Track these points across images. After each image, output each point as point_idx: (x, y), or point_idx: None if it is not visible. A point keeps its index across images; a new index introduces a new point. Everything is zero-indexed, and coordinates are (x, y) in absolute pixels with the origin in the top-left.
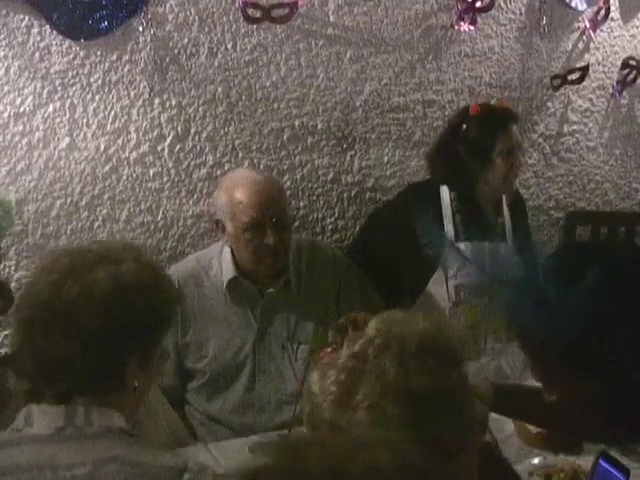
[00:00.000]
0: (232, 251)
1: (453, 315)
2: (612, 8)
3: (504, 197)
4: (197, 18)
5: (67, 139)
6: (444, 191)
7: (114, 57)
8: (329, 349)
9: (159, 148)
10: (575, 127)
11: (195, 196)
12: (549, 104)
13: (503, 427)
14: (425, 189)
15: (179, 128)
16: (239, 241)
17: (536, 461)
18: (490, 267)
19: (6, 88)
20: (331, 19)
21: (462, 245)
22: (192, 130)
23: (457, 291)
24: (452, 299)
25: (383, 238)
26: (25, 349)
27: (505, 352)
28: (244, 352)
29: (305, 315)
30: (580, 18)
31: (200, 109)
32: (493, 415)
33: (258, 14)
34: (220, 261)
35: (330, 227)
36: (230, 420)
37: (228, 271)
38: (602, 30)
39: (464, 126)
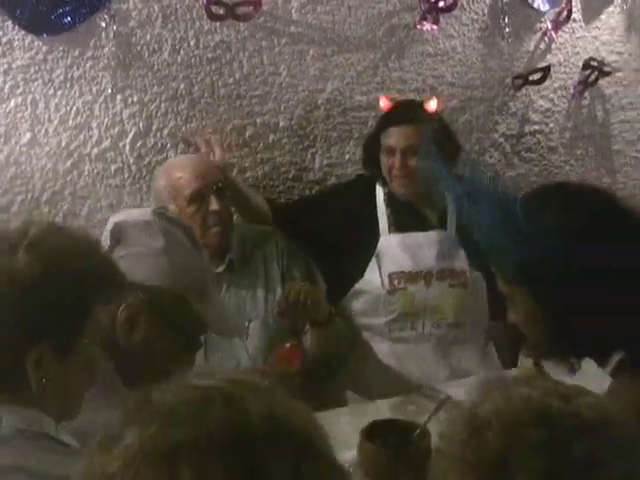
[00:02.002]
0: None
1: (387, 303)
2: (574, 9)
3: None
4: (160, 15)
5: (29, 134)
6: (378, 187)
7: (77, 53)
8: (287, 345)
9: (121, 144)
10: (536, 127)
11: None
12: (510, 104)
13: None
14: (366, 181)
15: (141, 124)
16: (185, 218)
17: None
18: (422, 255)
19: None
20: (294, 17)
21: (394, 236)
22: (154, 126)
23: (391, 279)
24: (386, 287)
25: (322, 215)
26: None
27: (444, 337)
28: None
29: (253, 293)
30: (542, 19)
31: (162, 106)
32: None
33: (222, 11)
34: None
35: None
36: None
37: None
38: (564, 31)
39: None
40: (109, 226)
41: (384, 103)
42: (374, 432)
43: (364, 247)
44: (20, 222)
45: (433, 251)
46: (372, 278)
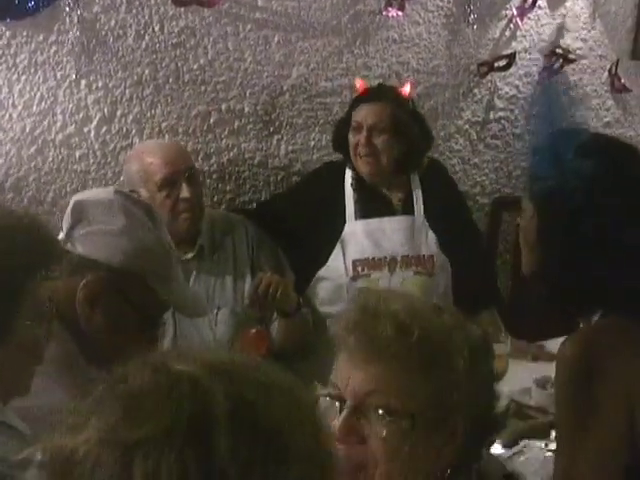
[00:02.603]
0: None
1: (350, 290)
2: None
3: (412, 176)
4: (125, 0)
5: None
6: (348, 171)
7: (40, 38)
8: (253, 330)
9: (85, 130)
10: (501, 114)
11: (122, 178)
12: (476, 91)
13: None
14: (336, 168)
15: (106, 110)
16: (155, 204)
17: None
18: (386, 241)
19: None
20: (259, 3)
21: (359, 222)
22: (119, 112)
23: (354, 266)
24: (350, 274)
25: (292, 209)
26: None
27: None
28: (164, 318)
29: (222, 280)
30: (507, 6)
31: (127, 91)
32: None
33: None
34: None
35: None
36: None
37: None
38: (529, 18)
39: None
40: (70, 205)
41: (359, 84)
42: None
43: (330, 234)
44: None
45: (398, 237)
46: (336, 265)
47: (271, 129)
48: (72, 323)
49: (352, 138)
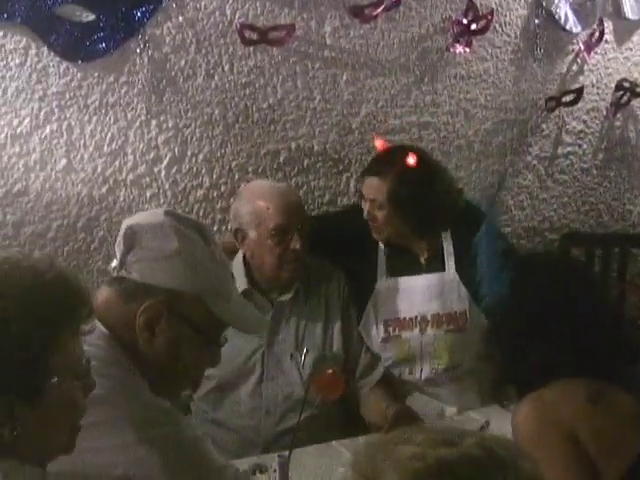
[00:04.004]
0: (244, 262)
1: (382, 350)
2: (606, 31)
3: (443, 233)
4: (194, 40)
5: (64, 161)
6: None
7: (111, 79)
8: (329, 371)
9: (156, 170)
10: (569, 149)
11: (195, 218)
12: (544, 126)
13: None
14: None
15: (176, 150)
16: (263, 248)
17: None
18: (417, 300)
19: (3, 109)
20: (327, 42)
21: (390, 281)
22: (189, 152)
23: (386, 326)
24: (381, 335)
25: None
26: None
27: (442, 382)
28: (253, 359)
29: (312, 325)
30: (574, 41)
31: (197, 131)
32: None
33: (255, 36)
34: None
35: None
36: (237, 424)
37: (240, 283)
38: (596, 52)
39: None
40: (122, 230)
41: (378, 144)
42: None
43: (363, 289)
44: None
45: (427, 296)
46: (368, 324)
47: (340, 167)
48: (134, 351)
49: (362, 205)
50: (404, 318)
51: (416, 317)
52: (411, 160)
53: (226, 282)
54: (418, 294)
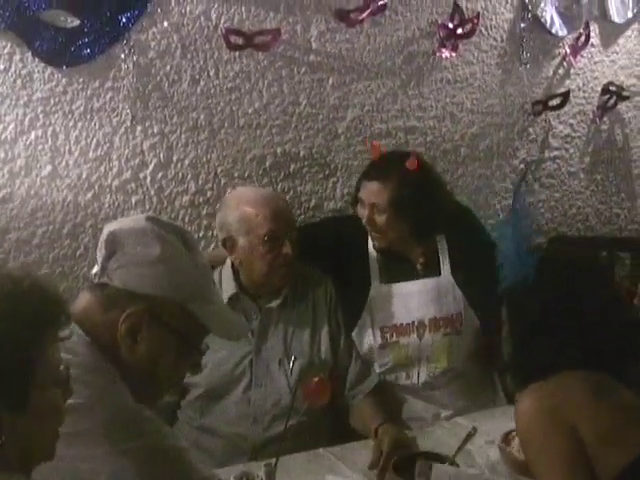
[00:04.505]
0: (233, 269)
1: (379, 356)
2: (592, 34)
3: (438, 237)
4: (180, 45)
5: (49, 167)
6: None
7: (96, 84)
8: (315, 379)
9: (141, 175)
10: (556, 153)
11: (177, 224)
12: (530, 130)
13: (488, 455)
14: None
15: (161, 155)
16: (253, 254)
17: None
18: (413, 305)
19: None
20: (313, 46)
21: (384, 287)
22: (174, 157)
23: (383, 333)
24: (378, 341)
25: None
26: None
27: (439, 385)
28: (241, 366)
29: (300, 331)
30: (560, 44)
31: (182, 136)
32: (480, 442)
33: (240, 41)
34: (220, 276)
35: None
36: (225, 431)
37: (228, 288)
38: (582, 56)
39: None
40: (103, 236)
41: (373, 152)
42: (403, 465)
43: (357, 297)
44: None
45: (423, 300)
46: (364, 331)
47: (327, 172)
48: (115, 357)
49: (360, 211)
50: (401, 324)
51: (413, 322)
52: (411, 164)
53: (208, 288)
54: (415, 299)
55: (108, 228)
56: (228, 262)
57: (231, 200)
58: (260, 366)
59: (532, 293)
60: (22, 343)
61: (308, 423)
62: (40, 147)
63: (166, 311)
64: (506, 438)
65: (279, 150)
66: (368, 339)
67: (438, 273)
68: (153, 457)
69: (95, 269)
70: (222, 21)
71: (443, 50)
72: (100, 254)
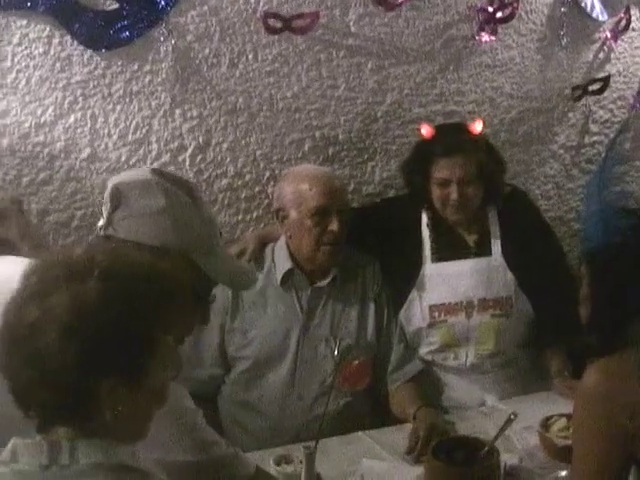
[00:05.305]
0: (287, 244)
1: (427, 335)
2: (633, 18)
3: (490, 214)
4: (218, 29)
5: (88, 149)
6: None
7: (135, 67)
8: (356, 362)
9: (180, 159)
10: (596, 138)
11: (216, 207)
12: (570, 115)
13: (527, 440)
14: (416, 204)
15: (200, 139)
16: (302, 228)
17: (563, 474)
18: (463, 285)
19: (27, 98)
20: (352, 30)
21: (435, 266)
22: (213, 141)
23: (431, 312)
24: (426, 320)
25: (378, 236)
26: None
27: (486, 369)
28: (288, 342)
29: (348, 312)
30: (601, 29)
31: (221, 120)
32: (518, 428)
33: (279, 25)
34: (273, 253)
35: None
36: (268, 408)
37: (284, 262)
38: (623, 40)
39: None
40: (108, 189)
41: (426, 131)
42: (441, 449)
43: (408, 275)
44: (80, 250)
45: (474, 280)
46: (413, 310)
47: (365, 156)
48: None
49: (438, 191)
50: (450, 303)
51: (462, 302)
52: (475, 128)
53: (213, 239)
54: (465, 279)
55: (112, 181)
56: (283, 238)
57: (290, 174)
58: (307, 344)
59: (622, 256)
60: (150, 322)
61: (353, 404)
62: (79, 130)
63: (171, 262)
64: (545, 424)
65: (317, 134)
66: (416, 318)
67: (489, 253)
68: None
69: (101, 222)
70: (261, 4)
71: (482, 34)
72: (105, 208)
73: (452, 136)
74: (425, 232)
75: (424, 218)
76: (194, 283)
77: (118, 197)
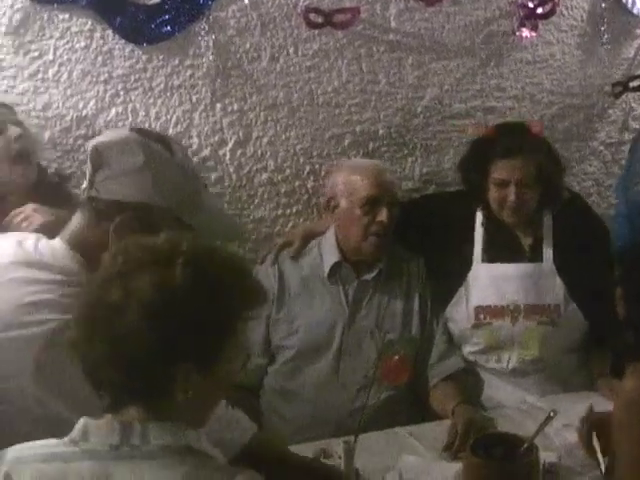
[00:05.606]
0: (335, 236)
1: (472, 336)
2: None
3: (545, 217)
4: (259, 23)
5: None
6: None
7: (176, 62)
8: (396, 357)
9: (220, 153)
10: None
11: (256, 201)
12: (610, 111)
13: (566, 438)
14: (470, 201)
15: (240, 133)
16: (351, 217)
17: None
18: (511, 289)
19: (69, 92)
20: (392, 25)
21: (485, 266)
22: (253, 135)
23: (477, 313)
24: (471, 321)
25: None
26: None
27: (528, 372)
28: (333, 333)
29: (393, 306)
30: None
31: (262, 114)
32: (557, 425)
33: (320, 19)
34: (320, 245)
35: None
36: (311, 396)
37: (331, 254)
38: None
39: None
40: (88, 151)
41: (487, 130)
42: (480, 445)
43: (456, 274)
44: (165, 236)
45: (522, 285)
46: (459, 309)
47: (405, 151)
48: None
49: (496, 191)
50: (496, 306)
51: (508, 306)
52: (536, 127)
53: (196, 193)
54: (514, 282)
55: (92, 143)
56: (330, 231)
57: (343, 166)
58: (351, 335)
59: None
60: (230, 312)
61: (395, 398)
62: (120, 124)
63: (155, 218)
64: (584, 422)
65: (358, 129)
66: (462, 317)
67: (541, 259)
68: None
69: (84, 185)
70: None
71: (523, 30)
72: (87, 170)
73: (512, 137)
74: (478, 231)
75: (479, 217)
76: None
77: (98, 158)
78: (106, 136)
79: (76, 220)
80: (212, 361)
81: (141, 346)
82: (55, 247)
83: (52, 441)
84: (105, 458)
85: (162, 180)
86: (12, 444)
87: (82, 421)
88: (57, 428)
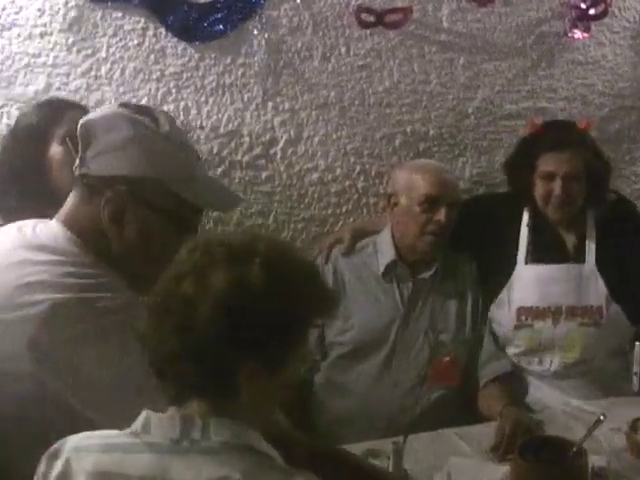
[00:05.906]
0: (392, 235)
1: (514, 337)
2: None
3: (589, 217)
4: (311, 22)
5: None
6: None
7: (228, 60)
8: (447, 358)
9: (272, 152)
10: None
11: (306, 200)
12: None
13: (614, 441)
14: (518, 202)
15: (292, 132)
16: (409, 214)
17: None
18: (553, 290)
19: (121, 89)
20: (444, 25)
21: (529, 267)
22: (305, 134)
23: (519, 314)
24: (513, 322)
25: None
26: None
27: (571, 375)
28: (388, 331)
29: (448, 306)
30: None
31: (313, 113)
32: (605, 429)
33: (372, 19)
34: (375, 242)
35: None
36: (363, 391)
37: (387, 253)
38: None
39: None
40: (78, 129)
41: (534, 125)
42: (528, 448)
43: (500, 275)
44: (239, 235)
45: (565, 286)
46: (502, 310)
47: (456, 152)
48: (107, 254)
49: (542, 185)
50: (537, 307)
51: (549, 307)
52: (585, 124)
53: (188, 163)
54: (556, 284)
55: (81, 121)
56: (387, 229)
57: (409, 164)
58: (406, 334)
59: None
60: (303, 316)
61: (445, 398)
62: None
63: (147, 191)
64: (633, 426)
65: (409, 129)
66: (504, 319)
67: (583, 259)
68: None
69: (76, 162)
70: None
71: (575, 31)
72: (79, 148)
73: (560, 131)
74: (524, 232)
75: (525, 217)
76: (175, 210)
77: (87, 135)
78: (94, 114)
79: (70, 200)
80: (279, 364)
81: (211, 342)
82: (52, 228)
83: (113, 432)
84: (164, 451)
85: (151, 152)
86: (7, 427)
87: (144, 413)
88: (55, 410)
